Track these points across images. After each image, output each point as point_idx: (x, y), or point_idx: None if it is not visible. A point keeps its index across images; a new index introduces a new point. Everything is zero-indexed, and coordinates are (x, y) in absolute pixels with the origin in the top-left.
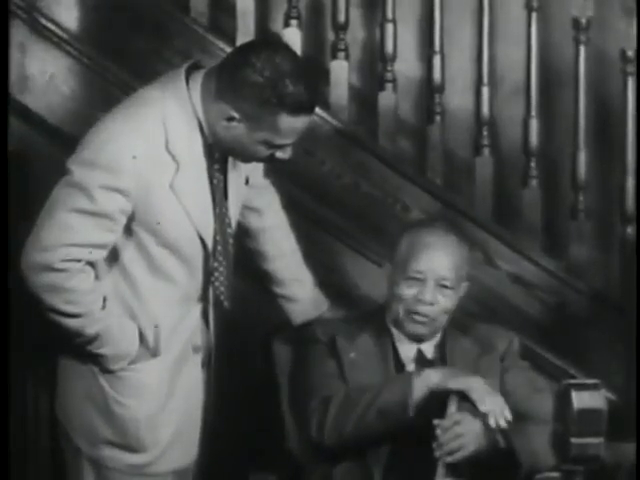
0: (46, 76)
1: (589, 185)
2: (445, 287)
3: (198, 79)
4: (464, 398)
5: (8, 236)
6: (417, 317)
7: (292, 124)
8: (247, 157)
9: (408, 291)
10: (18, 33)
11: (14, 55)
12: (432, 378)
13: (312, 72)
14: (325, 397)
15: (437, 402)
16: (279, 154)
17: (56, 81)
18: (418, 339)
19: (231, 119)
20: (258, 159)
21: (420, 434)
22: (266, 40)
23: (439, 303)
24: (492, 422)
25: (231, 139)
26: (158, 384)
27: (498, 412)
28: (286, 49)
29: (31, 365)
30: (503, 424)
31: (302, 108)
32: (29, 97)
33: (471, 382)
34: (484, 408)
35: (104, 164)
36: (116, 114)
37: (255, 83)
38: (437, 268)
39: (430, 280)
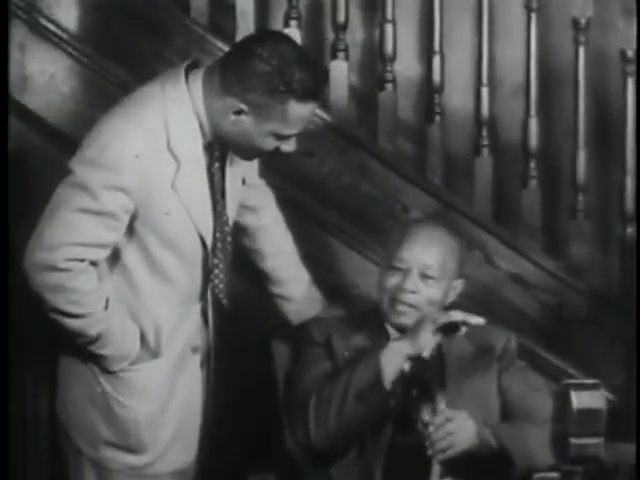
0: (46, 76)
1: (589, 185)
2: (429, 277)
3: (198, 77)
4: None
5: (8, 236)
6: (400, 306)
7: (300, 111)
8: (254, 151)
9: (392, 280)
10: (18, 33)
11: (14, 55)
12: (398, 347)
13: (314, 59)
14: (304, 399)
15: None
16: (284, 147)
17: (56, 81)
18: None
19: (239, 112)
20: (264, 153)
21: (409, 422)
22: (267, 31)
23: (421, 292)
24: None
25: (239, 133)
26: (159, 385)
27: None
28: (287, 38)
29: (30, 365)
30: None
31: (310, 94)
32: (29, 97)
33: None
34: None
35: (107, 163)
36: (117, 113)
37: (263, 72)
38: (420, 257)
39: (413, 269)
